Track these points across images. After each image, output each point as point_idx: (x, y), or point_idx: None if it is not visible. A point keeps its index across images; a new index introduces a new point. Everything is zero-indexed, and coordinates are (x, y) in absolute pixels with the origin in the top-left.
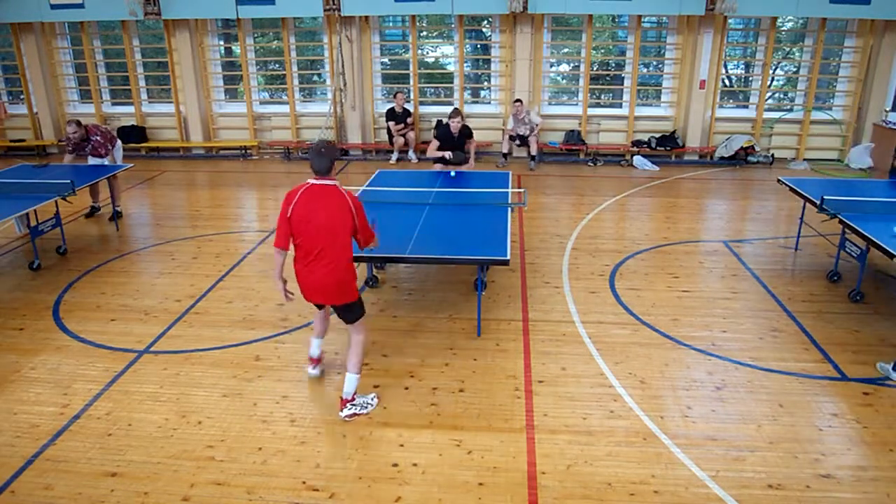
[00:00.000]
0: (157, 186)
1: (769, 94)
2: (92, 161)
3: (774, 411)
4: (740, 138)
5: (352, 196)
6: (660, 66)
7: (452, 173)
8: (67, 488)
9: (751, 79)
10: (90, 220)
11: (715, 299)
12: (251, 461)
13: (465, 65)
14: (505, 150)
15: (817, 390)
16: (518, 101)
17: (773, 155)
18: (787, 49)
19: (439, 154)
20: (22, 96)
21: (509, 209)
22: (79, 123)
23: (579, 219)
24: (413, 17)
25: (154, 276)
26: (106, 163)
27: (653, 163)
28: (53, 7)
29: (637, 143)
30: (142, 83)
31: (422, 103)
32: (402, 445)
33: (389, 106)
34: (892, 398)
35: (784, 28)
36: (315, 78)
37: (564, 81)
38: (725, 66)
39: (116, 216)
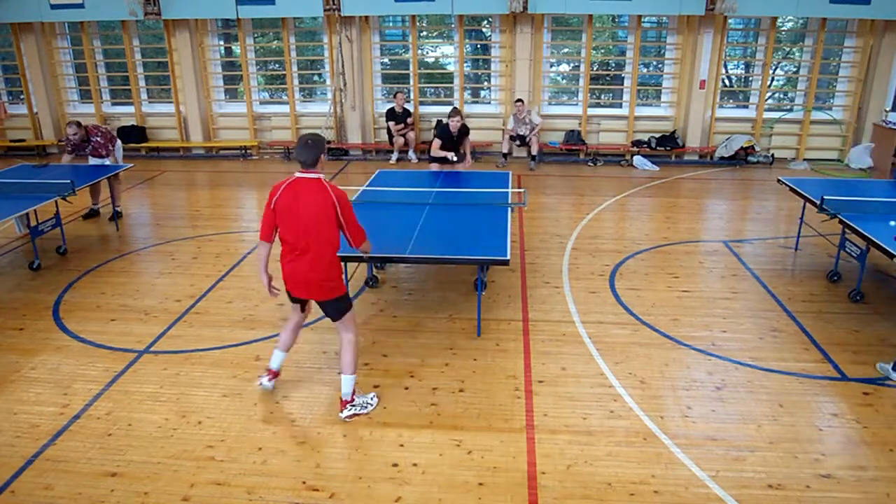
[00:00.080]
0: (157, 186)
1: (769, 94)
2: (92, 161)
3: (774, 411)
4: (740, 138)
5: (337, 191)
6: (660, 66)
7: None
8: (67, 488)
9: (751, 79)
10: (90, 221)
11: (715, 299)
12: (251, 461)
13: (465, 65)
14: (505, 150)
15: (817, 390)
16: (519, 100)
17: (773, 155)
18: (787, 49)
19: (443, 154)
20: (22, 96)
21: (509, 209)
22: (79, 124)
23: (579, 219)
24: (413, 17)
25: (154, 276)
26: (106, 163)
27: (653, 163)
28: (53, 7)
29: (637, 143)
30: (142, 83)
31: (422, 103)
32: (402, 445)
33: (389, 106)
34: (892, 398)
35: (784, 28)
36: (315, 78)
37: (564, 81)
38: (725, 66)
39: (116, 216)
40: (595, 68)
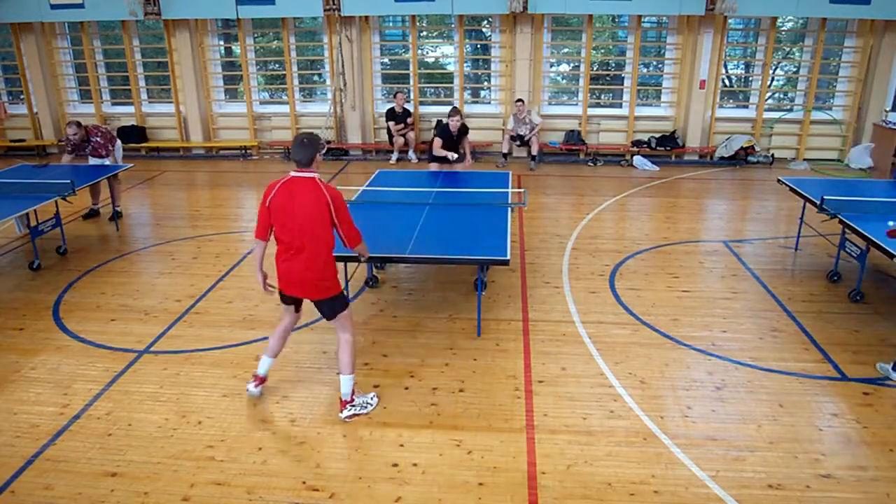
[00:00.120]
0: (157, 186)
1: (769, 94)
2: (92, 161)
3: (774, 411)
4: (740, 138)
5: (331, 190)
6: (660, 66)
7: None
8: (67, 488)
9: (751, 79)
10: (90, 221)
11: (715, 299)
12: (251, 461)
13: (465, 65)
14: (505, 150)
15: (817, 390)
16: (520, 100)
17: (773, 155)
18: (787, 49)
19: (444, 153)
20: (22, 96)
21: (509, 209)
22: (79, 125)
23: (579, 219)
24: (413, 17)
25: (154, 276)
26: (106, 163)
27: (653, 163)
28: (53, 7)
29: (637, 143)
30: (142, 83)
31: (422, 103)
32: (402, 445)
33: (389, 106)
34: (892, 398)
35: (784, 28)
36: (315, 78)
37: (564, 81)
38: (725, 66)
39: (116, 216)
40: (595, 68)
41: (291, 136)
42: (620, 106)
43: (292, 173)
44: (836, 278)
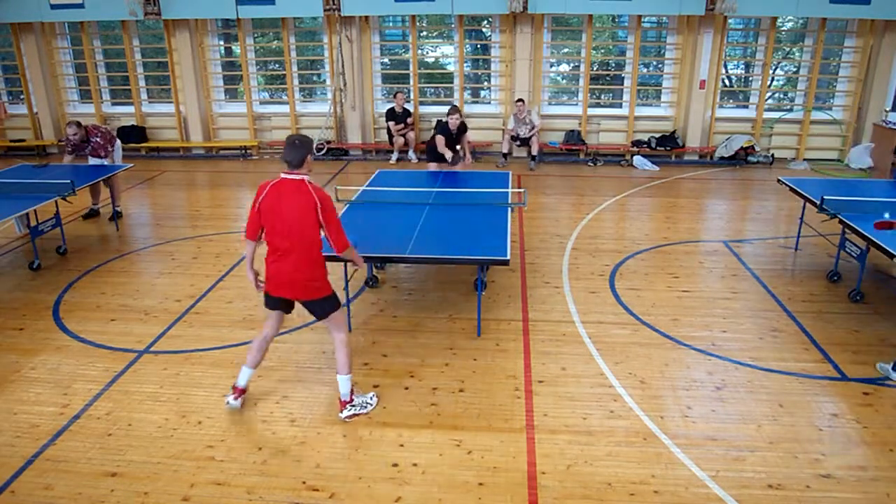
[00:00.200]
0: (157, 186)
1: (769, 94)
2: (92, 161)
3: (774, 411)
4: (740, 138)
5: (320, 192)
6: (660, 66)
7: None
8: (67, 488)
9: (751, 79)
10: (90, 221)
11: (715, 299)
12: (251, 461)
13: (465, 65)
14: (505, 150)
15: (817, 390)
16: (520, 100)
17: (773, 155)
18: (787, 49)
19: (445, 151)
20: (22, 96)
21: (509, 209)
22: (79, 125)
23: (579, 219)
24: (413, 17)
25: (154, 276)
26: (106, 163)
27: (653, 163)
28: (53, 7)
29: (637, 143)
30: (142, 83)
31: (422, 103)
32: (402, 445)
33: (389, 106)
34: (892, 398)
35: (784, 28)
36: (315, 78)
37: (564, 81)
38: (725, 66)
39: (116, 216)
40: (595, 68)
41: None
42: (620, 106)
43: (282, 175)
44: (836, 278)
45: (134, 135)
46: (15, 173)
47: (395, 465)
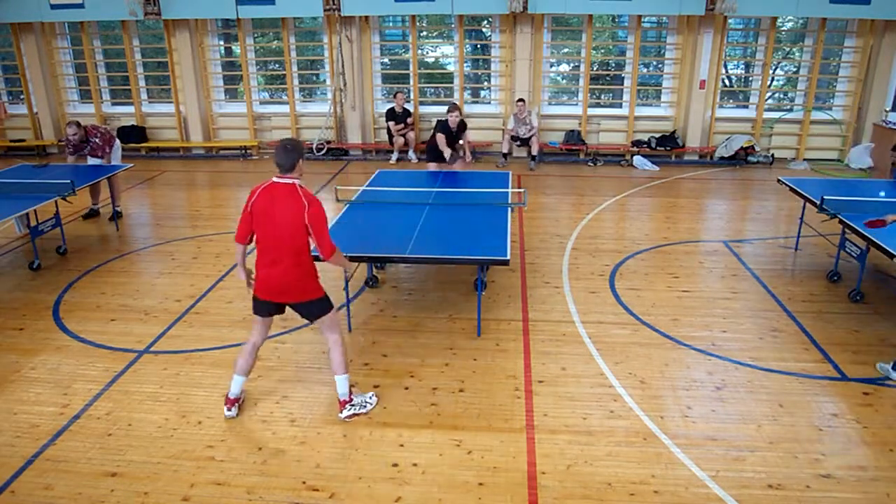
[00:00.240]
0: (157, 186)
1: (769, 94)
2: (92, 161)
3: (774, 411)
4: (740, 138)
5: (309, 197)
6: (660, 66)
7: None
8: (67, 488)
9: (751, 79)
10: (90, 221)
11: (715, 299)
12: (251, 461)
13: (465, 65)
14: (505, 150)
15: (817, 390)
16: (521, 100)
17: (773, 155)
18: (787, 49)
19: (446, 149)
20: (22, 96)
21: (509, 209)
22: (78, 125)
23: (579, 219)
24: (413, 17)
25: (154, 276)
26: (103, 164)
27: (653, 163)
28: (53, 7)
29: (637, 143)
30: (142, 83)
31: (422, 103)
32: (402, 445)
33: (389, 106)
34: (892, 398)
35: (784, 28)
36: (315, 78)
37: (564, 81)
38: (725, 66)
39: (116, 216)
40: (595, 68)
41: (292, 137)
42: (620, 106)
43: (274, 179)
44: (836, 278)
45: (134, 135)
46: (15, 173)
47: (395, 465)
